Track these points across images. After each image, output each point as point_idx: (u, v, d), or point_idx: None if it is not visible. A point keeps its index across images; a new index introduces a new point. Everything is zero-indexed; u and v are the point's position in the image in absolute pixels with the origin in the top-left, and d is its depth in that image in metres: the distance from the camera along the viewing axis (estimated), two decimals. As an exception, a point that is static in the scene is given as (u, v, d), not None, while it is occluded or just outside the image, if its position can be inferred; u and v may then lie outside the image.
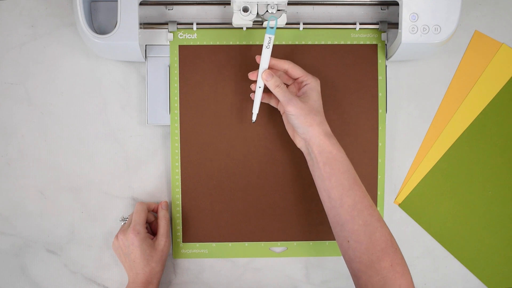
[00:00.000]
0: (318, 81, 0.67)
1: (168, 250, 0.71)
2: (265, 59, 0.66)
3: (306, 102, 0.64)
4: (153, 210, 0.74)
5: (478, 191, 0.76)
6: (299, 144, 0.67)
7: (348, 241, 0.62)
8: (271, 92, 0.67)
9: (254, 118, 0.70)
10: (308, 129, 0.64)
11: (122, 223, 0.73)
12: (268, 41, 0.65)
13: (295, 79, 0.68)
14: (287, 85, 0.69)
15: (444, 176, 0.76)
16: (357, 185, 0.63)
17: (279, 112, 0.71)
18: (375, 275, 0.60)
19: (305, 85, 0.66)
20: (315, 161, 0.64)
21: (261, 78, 0.67)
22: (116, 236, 0.70)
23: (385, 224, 0.63)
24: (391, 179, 0.76)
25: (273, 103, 0.71)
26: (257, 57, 0.67)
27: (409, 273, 0.61)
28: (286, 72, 0.68)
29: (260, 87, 0.68)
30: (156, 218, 0.73)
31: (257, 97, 0.68)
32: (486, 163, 0.76)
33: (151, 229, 0.73)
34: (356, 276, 0.62)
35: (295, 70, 0.67)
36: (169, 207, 0.74)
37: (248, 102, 0.73)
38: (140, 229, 0.68)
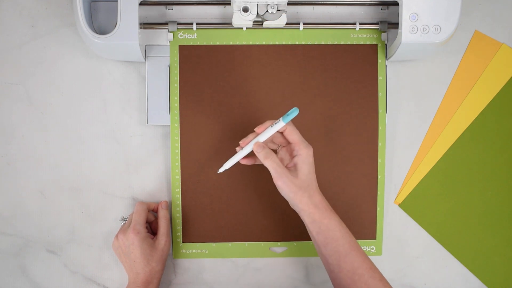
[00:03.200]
0: (311, 150, 0.63)
1: (168, 250, 0.71)
2: (266, 135, 0.63)
3: (296, 177, 0.62)
4: (153, 210, 0.74)
5: (478, 191, 0.76)
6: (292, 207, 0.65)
7: None
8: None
9: (221, 170, 0.66)
10: (298, 204, 0.63)
11: (122, 223, 0.73)
12: (278, 124, 0.62)
13: (289, 143, 0.65)
14: (279, 147, 0.66)
15: (444, 176, 0.76)
16: (355, 249, 0.62)
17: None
18: None
19: (296, 156, 0.63)
20: (308, 229, 0.64)
21: (251, 146, 0.63)
22: (116, 236, 0.70)
23: (387, 282, 0.62)
24: (391, 179, 0.76)
25: (258, 161, 0.66)
26: (258, 128, 0.63)
27: None
28: (282, 133, 0.64)
29: (243, 150, 0.64)
30: (156, 217, 0.73)
31: (236, 158, 0.65)
32: (486, 163, 0.76)
33: (151, 228, 0.73)
34: None
35: (292, 135, 0.63)
36: (169, 207, 0.74)
37: (248, 102, 0.73)
38: (140, 228, 0.68)
